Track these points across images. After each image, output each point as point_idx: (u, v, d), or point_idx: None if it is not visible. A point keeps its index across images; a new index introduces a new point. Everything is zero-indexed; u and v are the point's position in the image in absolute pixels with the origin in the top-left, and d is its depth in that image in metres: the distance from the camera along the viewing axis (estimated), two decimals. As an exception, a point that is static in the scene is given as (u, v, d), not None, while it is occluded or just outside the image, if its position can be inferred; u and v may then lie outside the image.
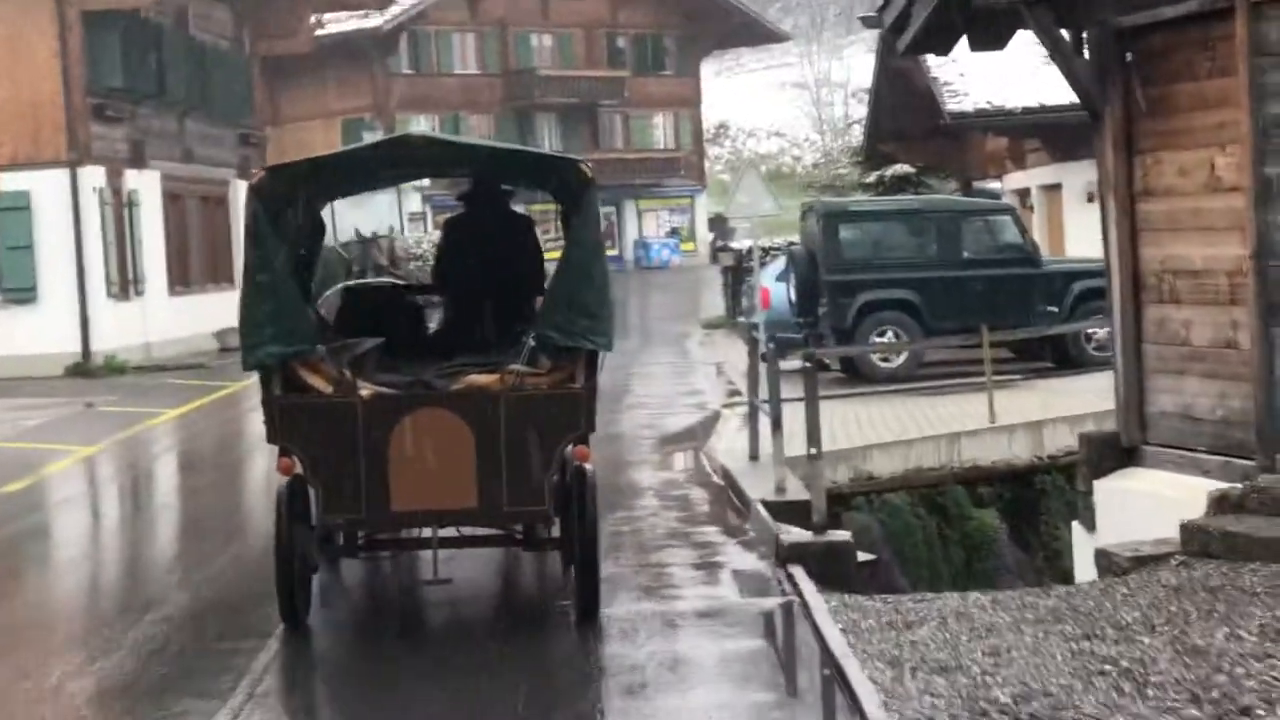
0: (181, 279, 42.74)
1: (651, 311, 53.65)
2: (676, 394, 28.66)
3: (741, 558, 14.25)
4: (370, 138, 52.59)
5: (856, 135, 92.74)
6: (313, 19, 51.23)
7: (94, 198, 37.39)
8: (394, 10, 71.33)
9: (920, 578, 19.15)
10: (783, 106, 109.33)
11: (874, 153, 48.21)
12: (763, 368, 18.24)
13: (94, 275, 37.32)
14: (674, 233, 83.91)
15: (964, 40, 17.12)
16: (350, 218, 52.20)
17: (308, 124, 72.77)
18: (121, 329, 38.12)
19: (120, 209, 38.95)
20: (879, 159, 48.18)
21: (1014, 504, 20.82)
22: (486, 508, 11.28)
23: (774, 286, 31.48)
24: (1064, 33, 15.93)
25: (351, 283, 15.57)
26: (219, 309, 42.58)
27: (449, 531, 11.88)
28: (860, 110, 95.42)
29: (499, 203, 13.70)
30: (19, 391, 32.73)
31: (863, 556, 14.29)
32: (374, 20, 71.18)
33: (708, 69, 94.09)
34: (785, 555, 13.41)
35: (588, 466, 11.50)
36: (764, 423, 18.18)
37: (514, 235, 13.57)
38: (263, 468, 22.32)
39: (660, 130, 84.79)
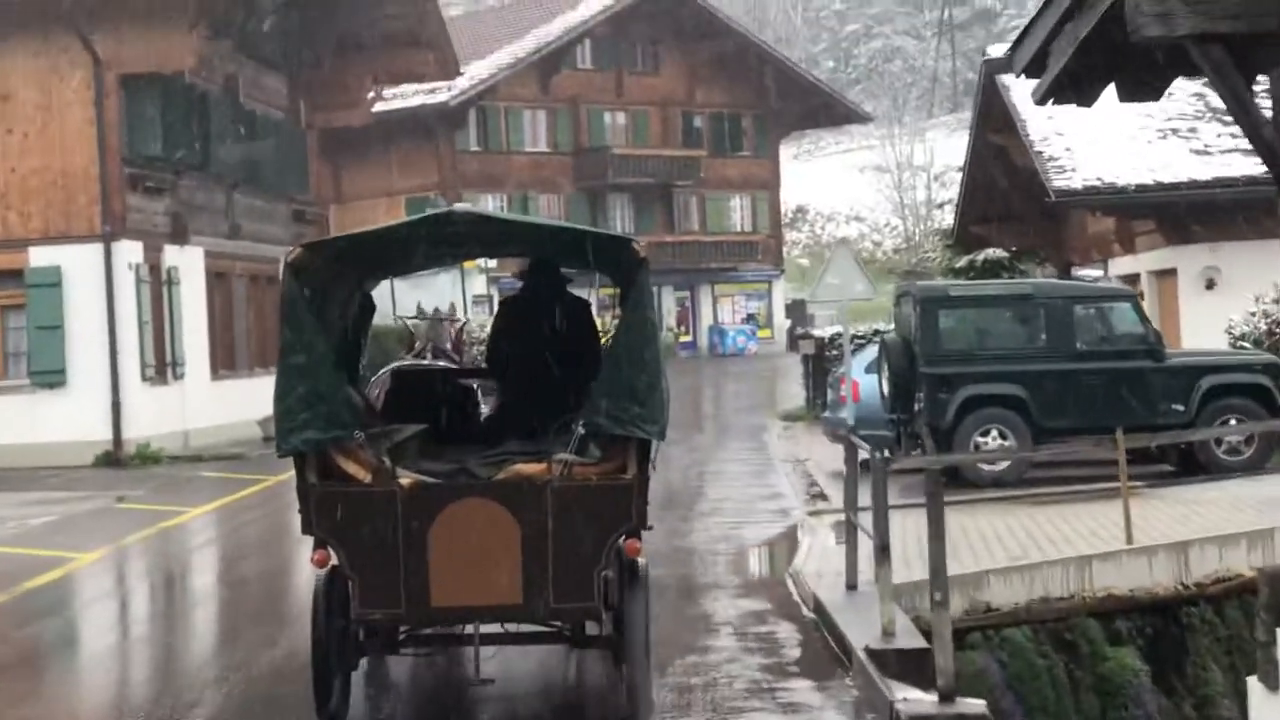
0: (226, 362, 40.15)
1: (726, 402, 50.81)
2: (755, 498, 25.71)
3: (844, 730, 11.29)
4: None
5: (940, 219, 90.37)
6: (373, 92, 48.56)
7: (129, 275, 34.83)
8: (462, 85, 69.00)
9: (1047, 731, 16.09)
10: (862, 190, 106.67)
11: (964, 236, 45.28)
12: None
13: (128, 358, 34.72)
14: (750, 319, 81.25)
15: (1110, 89, 14.17)
16: (411, 297, 49.82)
17: (371, 202, 70.53)
18: (157, 416, 35.49)
19: (159, 287, 36.41)
20: (969, 242, 45.14)
21: (1156, 641, 17.62)
22: (532, 604, 10.82)
23: (863, 378, 28.65)
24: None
25: (401, 365, 14.97)
26: (266, 395, 39.99)
27: (495, 627, 11.49)
28: (943, 194, 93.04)
29: (556, 284, 13.13)
30: (39, 484, 30.16)
31: (1001, 732, 11.26)
32: (441, 95, 68.92)
33: (785, 151, 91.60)
34: (903, 730, 10.46)
35: (640, 560, 11.13)
36: (863, 543, 15.25)
37: (570, 318, 12.95)
38: (283, 574, 19.58)
39: (737, 212, 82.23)
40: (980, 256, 46.40)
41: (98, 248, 34.35)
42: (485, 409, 13.90)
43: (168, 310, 36.70)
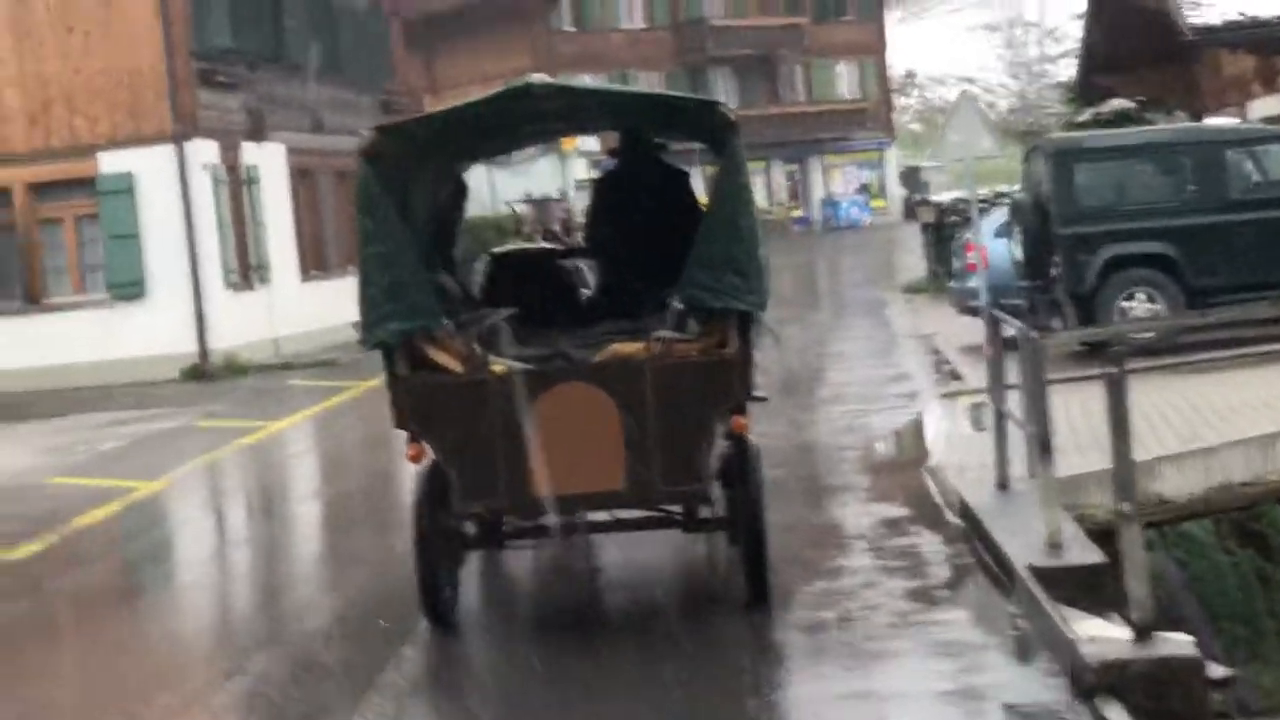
0: (315, 264, 38.29)
1: (844, 276, 48.61)
2: (882, 381, 23.52)
3: (1014, 678, 9.17)
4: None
5: (1055, 75, 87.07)
6: (456, -30, 46.31)
7: (205, 176, 32.87)
8: (553, -37, 66.75)
9: (1237, 639, 13.88)
10: (972, 50, 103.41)
11: (1087, 88, 42.51)
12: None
13: (209, 264, 32.81)
14: (863, 189, 78.73)
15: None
16: (514, 185, 48.00)
17: (465, 89, 68.09)
18: (243, 324, 33.63)
19: (238, 188, 34.48)
20: (1092, 95, 42.37)
21: (1356, 527, 15.38)
22: (637, 489, 10.51)
23: (991, 244, 26.37)
24: None
25: (500, 250, 14.15)
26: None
27: (607, 516, 11.40)
28: (1057, 49, 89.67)
29: (650, 157, 12.81)
30: (117, 402, 28.46)
31: (1216, 671, 9.07)
32: (532, -27, 66.62)
33: (889, 16, 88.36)
34: (1091, 679, 8.31)
35: (750, 438, 10.76)
36: (1012, 433, 13.11)
37: (667, 191, 12.57)
38: (363, 496, 17.67)
39: (844, 80, 79.56)
40: (1105, 108, 43.77)
41: (170, 149, 32.38)
42: (586, 291, 13.28)
43: (249, 212, 34.82)
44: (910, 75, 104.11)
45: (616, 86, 13.73)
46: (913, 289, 40.47)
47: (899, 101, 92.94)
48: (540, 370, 10.59)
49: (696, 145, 12.79)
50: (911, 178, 79.57)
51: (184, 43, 32.57)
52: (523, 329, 11.66)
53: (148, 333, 32.26)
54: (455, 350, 10.56)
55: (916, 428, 18.60)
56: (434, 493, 10.72)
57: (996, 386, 13.77)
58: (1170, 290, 22.52)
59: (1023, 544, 11.12)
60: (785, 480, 15.03)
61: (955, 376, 22.73)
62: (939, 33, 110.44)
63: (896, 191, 79.05)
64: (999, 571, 11.18)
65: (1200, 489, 14.46)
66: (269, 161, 35.72)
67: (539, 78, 10.60)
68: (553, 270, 13.34)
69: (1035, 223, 23.21)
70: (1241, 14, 30.98)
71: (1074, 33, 78.69)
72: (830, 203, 76.66)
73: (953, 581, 11.45)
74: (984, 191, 41.49)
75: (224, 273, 33.22)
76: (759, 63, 75.42)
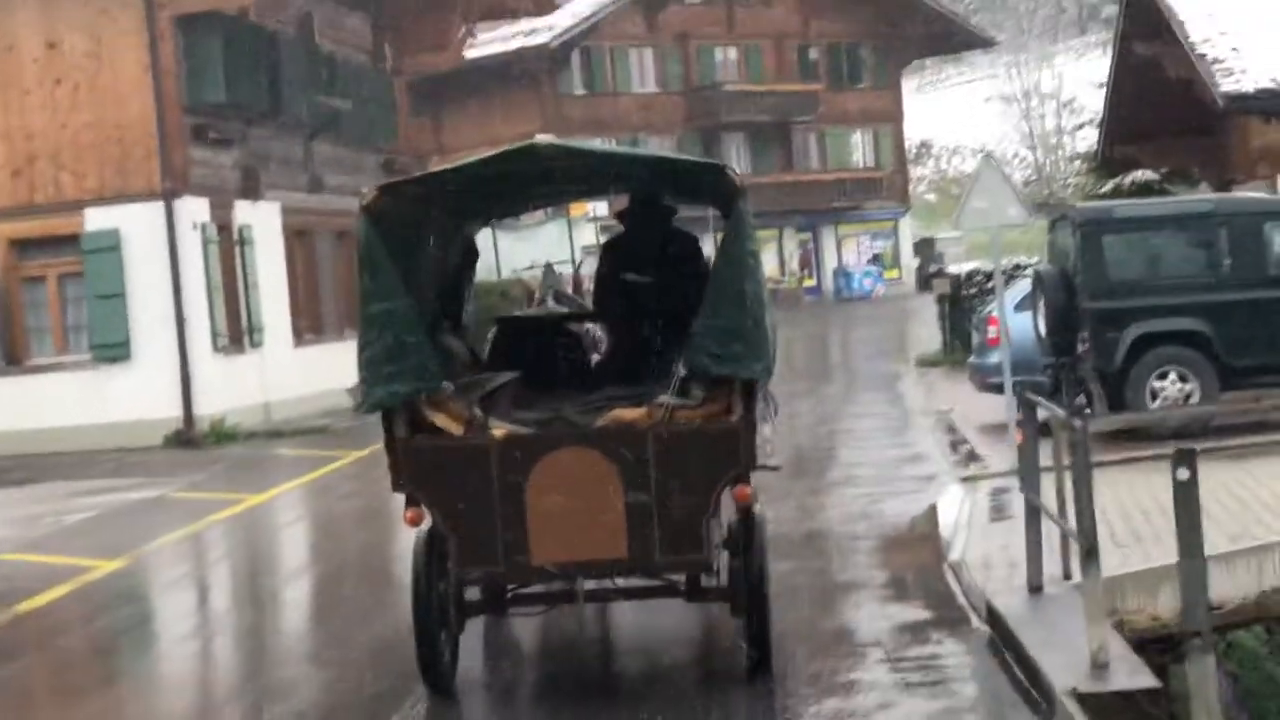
0: (311, 327, 37.03)
1: (856, 348, 47.23)
2: (896, 460, 22.21)
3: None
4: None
5: (1071, 146, 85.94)
6: (462, 30, 45.11)
7: (195, 235, 31.66)
8: (563, 24, 65.53)
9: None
10: (988, 122, 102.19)
11: (1109, 158, 41.23)
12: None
13: (197, 326, 31.55)
14: (876, 259, 77.31)
15: None
16: (520, 251, 46.77)
17: (474, 152, 66.69)
18: (232, 388, 32.36)
19: (230, 247, 33.22)
20: (1115, 165, 41.14)
21: None
22: (638, 558, 10.40)
23: (1013, 318, 25.13)
24: None
25: (509, 314, 14.63)
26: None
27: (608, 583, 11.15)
28: (1074, 120, 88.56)
29: (660, 220, 12.73)
30: (95, 469, 27.27)
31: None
32: (541, 36, 65.47)
33: (906, 85, 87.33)
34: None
35: (755, 506, 10.69)
36: (1043, 529, 11.80)
37: (676, 256, 12.47)
38: (340, 583, 16.29)
39: (858, 148, 78.23)
40: (1127, 179, 42.59)
41: (159, 206, 31.18)
42: (593, 356, 13.38)
43: (241, 272, 33.57)
44: (925, 146, 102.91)
45: (624, 149, 13.66)
46: (927, 362, 39.26)
47: (914, 172, 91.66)
48: (541, 434, 10.46)
49: (709, 210, 12.62)
50: (926, 248, 78.35)
51: (176, 97, 31.39)
52: (526, 392, 11.60)
53: (132, 396, 31.03)
54: (455, 413, 10.41)
55: (935, 516, 17.24)
56: (433, 557, 10.59)
57: (1030, 475, 12.43)
58: (1204, 370, 21.27)
59: (1062, 661, 9.79)
60: (793, 576, 13.76)
61: (974, 458, 21.44)
62: (954, 103, 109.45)
63: (910, 262, 77.75)
64: (1035, 693, 9.82)
65: (1252, 592, 13.08)
66: (263, 221, 34.50)
67: (545, 139, 10.71)
68: (559, 334, 13.27)
69: (1061, 296, 21.96)
70: (1275, 80, 29.71)
71: (1092, 104, 77.75)
72: (843, 272, 75.34)
73: (981, 703, 10.07)
74: (1004, 263, 40.38)
75: (213, 335, 31.96)
76: (773, 129, 74.21)
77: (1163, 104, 37.64)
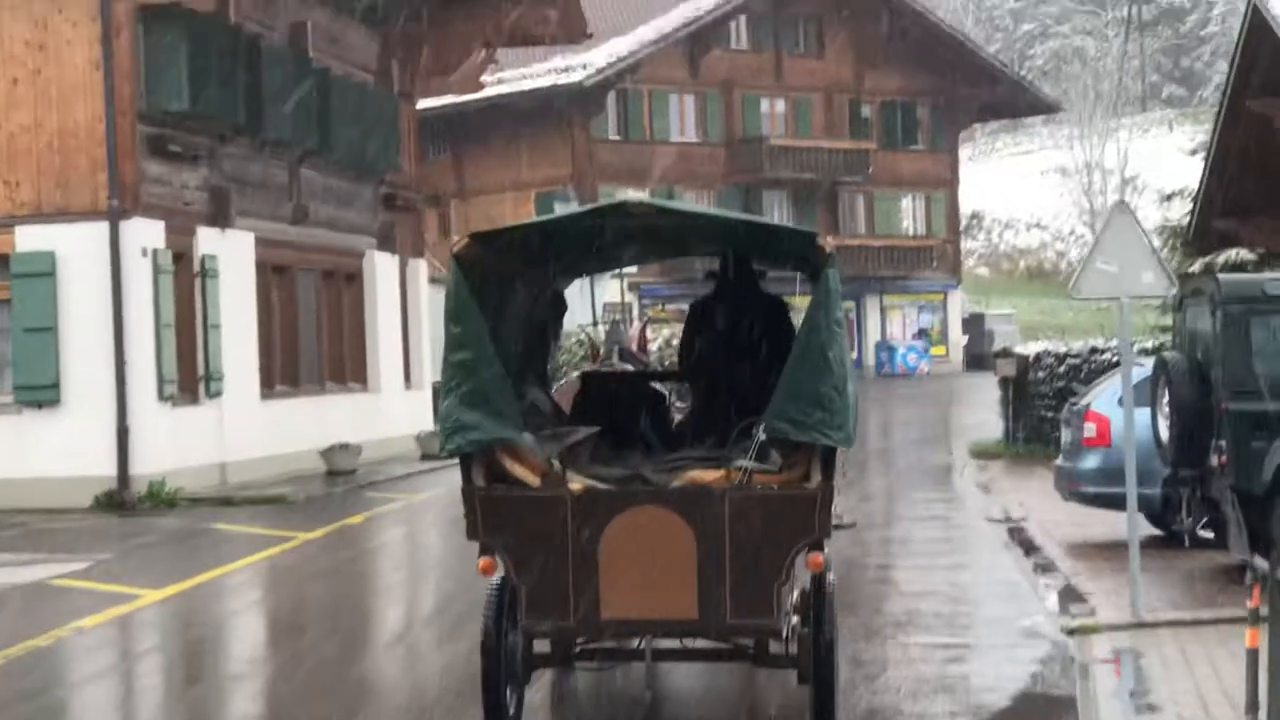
0: (286, 377, 32.55)
1: (900, 431, 42.49)
2: (972, 593, 17.43)
3: None
4: (563, 211, 42.93)
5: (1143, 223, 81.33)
6: (483, 55, 40.48)
7: (144, 263, 27.10)
8: (599, 62, 61.02)
9: None
10: (1043, 195, 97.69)
11: (1205, 232, 36.38)
12: None
13: (140, 369, 27.06)
14: (922, 334, 72.52)
15: None
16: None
17: (496, 196, 63.04)
18: (180, 445, 27.80)
19: (189, 280, 28.60)
20: (1211, 241, 36.31)
21: None
22: (708, 619, 10.41)
23: (1113, 414, 20.48)
24: None
25: (594, 368, 15.00)
26: (336, 418, 32.44)
27: (675, 643, 11.41)
28: (1136, 200, 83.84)
29: (748, 283, 12.75)
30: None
31: None
32: (575, 75, 60.96)
33: (960, 152, 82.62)
34: None
35: (829, 575, 10.79)
36: None
37: (763, 318, 12.49)
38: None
39: (909, 214, 73.53)
40: (1221, 258, 37.76)
41: (102, 227, 26.76)
42: (676, 416, 13.44)
43: (201, 310, 28.95)
44: (976, 217, 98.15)
45: (715, 210, 14.60)
46: (985, 453, 34.75)
47: (963, 244, 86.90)
48: (618, 491, 10.56)
49: (795, 274, 12.58)
50: (975, 325, 73.72)
51: (131, 102, 26.97)
52: (606, 449, 11.63)
53: (59, 448, 26.77)
54: (534, 464, 10.52)
55: (1042, 679, 12.47)
56: (503, 607, 10.73)
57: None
58: (1377, 497, 16.48)
59: None
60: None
61: (1074, 595, 16.62)
62: (1007, 174, 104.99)
63: (958, 338, 72.97)
64: None
65: None
66: (232, 252, 29.89)
67: (635, 197, 11.13)
68: (642, 392, 13.49)
69: (1191, 393, 17.29)
70: None
71: (1155, 180, 73.35)
72: (885, 346, 70.56)
73: None
74: (1077, 346, 35.64)
75: (159, 381, 27.42)
76: (819, 188, 69.51)
77: (1269, 174, 33.11)
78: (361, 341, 35.90)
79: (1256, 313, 17.15)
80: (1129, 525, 15.56)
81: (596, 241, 11.80)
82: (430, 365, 38.75)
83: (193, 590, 18.39)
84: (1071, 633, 14.46)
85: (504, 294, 11.31)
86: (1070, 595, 16.68)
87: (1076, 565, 18.54)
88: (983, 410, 39.83)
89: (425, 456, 33.69)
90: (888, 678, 12.93)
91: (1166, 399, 17.76)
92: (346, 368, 35.16)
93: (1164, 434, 17.87)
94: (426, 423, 36.24)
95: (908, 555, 20.32)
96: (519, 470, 10.47)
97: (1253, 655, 7.87)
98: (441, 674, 13.76)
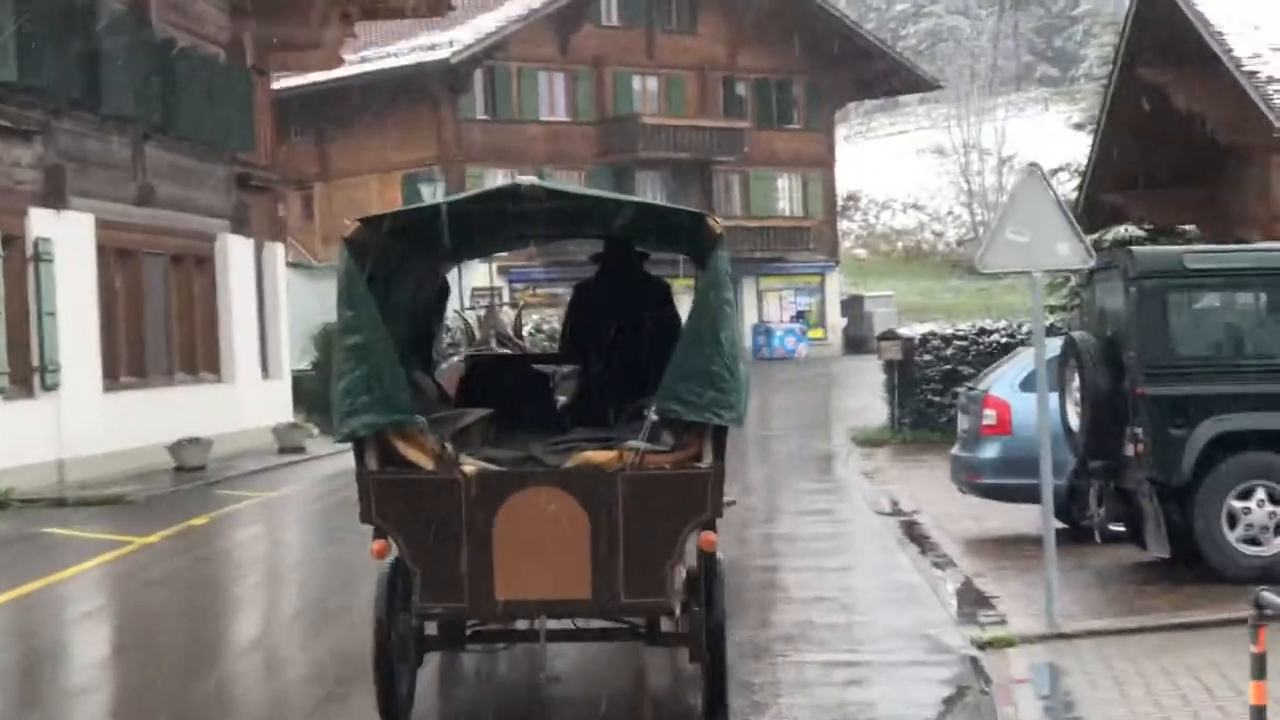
0: (133, 368, 30.61)
1: (779, 418, 41.00)
2: (867, 597, 15.90)
3: None
4: (429, 194, 41.35)
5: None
6: (338, 25, 38.64)
7: (-33, 247, 25.13)
8: (466, 39, 59.30)
9: None
10: (920, 176, 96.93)
11: (1094, 208, 35.24)
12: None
13: (-35, 361, 25.03)
14: (800, 317, 71.37)
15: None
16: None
17: (362, 179, 61.30)
18: (12, 441, 25.84)
19: (21, 264, 26.67)
20: (1100, 217, 35.19)
21: None
22: (601, 599, 10.51)
23: (1014, 399, 19.18)
24: None
25: (476, 351, 14.81)
26: (187, 411, 30.57)
27: (568, 623, 11.41)
28: (1014, 179, 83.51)
29: (632, 266, 13.14)
30: None
31: None
32: (441, 52, 59.36)
33: (836, 131, 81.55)
34: None
35: (719, 555, 10.78)
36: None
37: (647, 302, 12.77)
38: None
39: (785, 194, 72.32)
40: (1109, 235, 36.71)
41: (-81, 209, 24.75)
42: (561, 398, 13.64)
43: (35, 297, 26.99)
44: (853, 197, 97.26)
45: (606, 193, 12.57)
46: (870, 440, 33.51)
47: (840, 225, 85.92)
48: (510, 472, 10.61)
49: (680, 256, 12.98)
50: (854, 307, 72.73)
51: (-50, 72, 24.92)
52: (496, 431, 11.82)
53: (-122, 448, 24.55)
54: (427, 447, 10.49)
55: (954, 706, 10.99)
56: (396, 591, 10.69)
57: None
58: (1307, 486, 15.30)
59: None
60: None
61: (981, 599, 15.26)
62: (883, 155, 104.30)
63: (837, 321, 71.90)
64: None
65: None
66: (70, 235, 27.98)
67: (529, 180, 10.70)
68: (529, 375, 13.77)
69: (1104, 376, 15.94)
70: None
71: (1032, 158, 72.54)
72: (763, 329, 69.32)
73: None
74: (964, 327, 34.41)
75: (-12, 373, 25.41)
76: (693, 168, 68.20)
77: (1160, 146, 32.04)
78: (214, 329, 34.05)
79: (1174, 288, 15.80)
80: (1044, 526, 14.11)
81: (488, 224, 12.02)
82: (288, 353, 37.12)
83: (15, 603, 16.63)
84: (983, 646, 12.96)
85: (391, 278, 11.36)
86: (975, 600, 15.34)
87: (978, 564, 17.30)
88: (865, 394, 38.72)
89: (283, 450, 32.09)
90: (781, 707, 11.38)
91: (1076, 383, 16.36)
92: (198, 357, 33.30)
93: (1073, 421, 16.50)
94: (285, 414, 34.66)
95: (795, 555, 18.81)
96: (412, 453, 10.50)
97: (1258, 714, 6.30)
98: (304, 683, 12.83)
